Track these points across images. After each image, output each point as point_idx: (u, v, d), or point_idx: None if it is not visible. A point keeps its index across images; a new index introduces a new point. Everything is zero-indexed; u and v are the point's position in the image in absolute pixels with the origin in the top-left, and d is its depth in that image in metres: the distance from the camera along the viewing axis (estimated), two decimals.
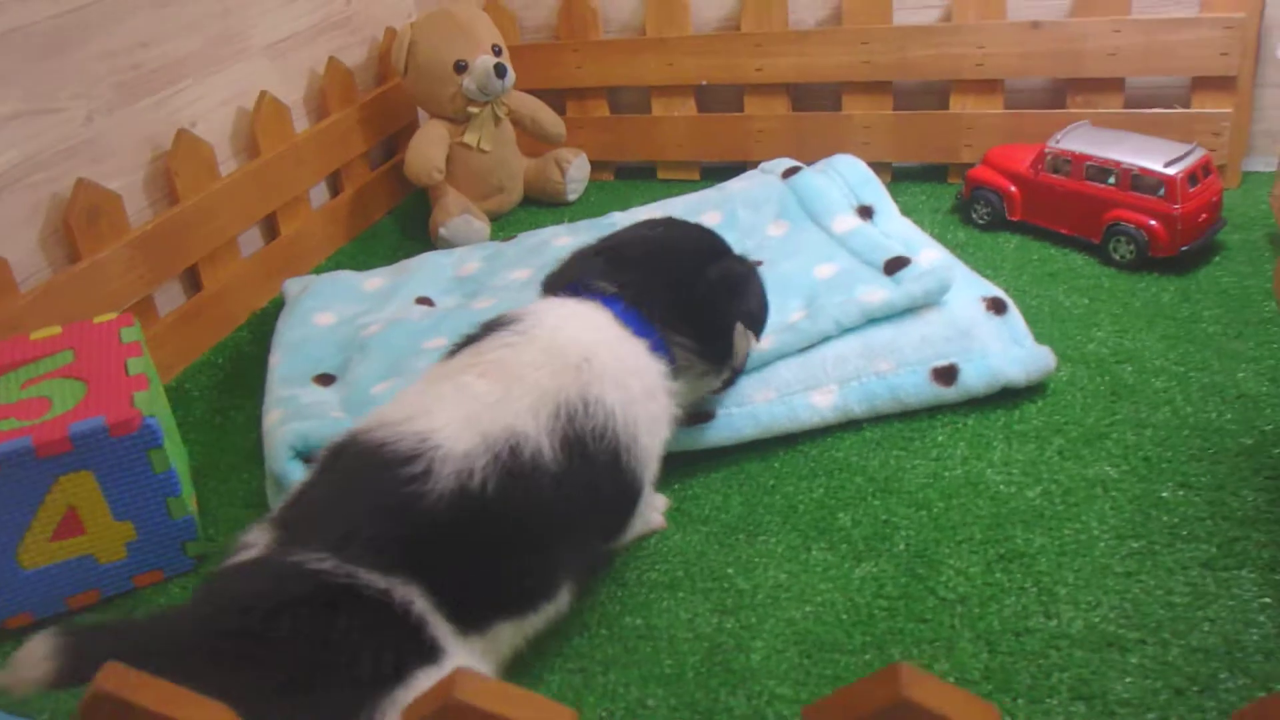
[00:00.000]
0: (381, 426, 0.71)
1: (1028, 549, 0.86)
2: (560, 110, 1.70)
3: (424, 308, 1.28)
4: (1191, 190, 1.21)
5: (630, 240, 0.88)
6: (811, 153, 1.55)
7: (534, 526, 0.69)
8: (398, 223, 1.65)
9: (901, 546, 0.88)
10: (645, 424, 0.76)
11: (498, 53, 1.54)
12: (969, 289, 1.14)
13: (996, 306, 1.11)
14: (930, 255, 1.23)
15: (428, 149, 1.52)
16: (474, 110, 1.54)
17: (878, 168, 1.55)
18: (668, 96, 1.64)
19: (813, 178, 1.36)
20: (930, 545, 0.88)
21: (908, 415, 1.05)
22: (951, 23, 1.45)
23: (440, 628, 0.65)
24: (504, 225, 1.62)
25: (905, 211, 1.43)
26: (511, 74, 1.54)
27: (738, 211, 1.36)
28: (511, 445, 0.68)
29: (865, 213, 1.34)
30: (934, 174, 1.56)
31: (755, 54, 1.54)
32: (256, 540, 0.68)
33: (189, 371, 1.30)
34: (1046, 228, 1.34)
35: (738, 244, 1.31)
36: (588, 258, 0.88)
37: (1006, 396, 1.05)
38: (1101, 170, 1.26)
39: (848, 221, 1.27)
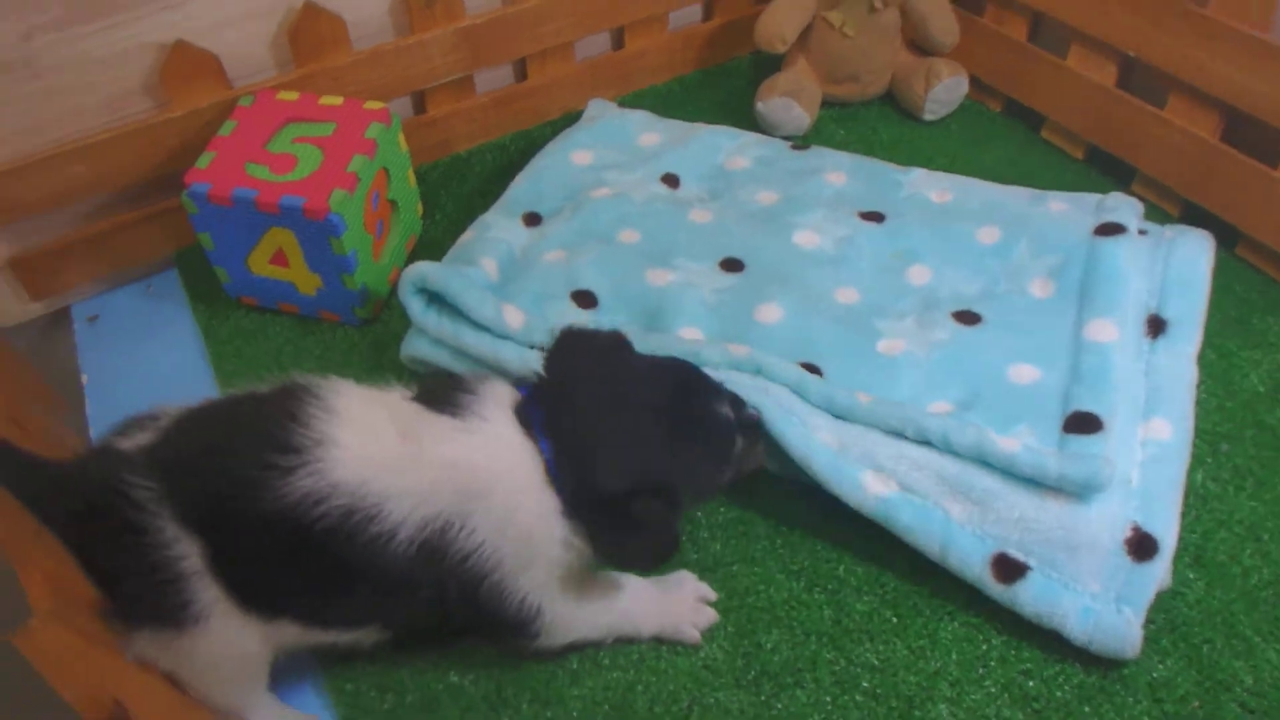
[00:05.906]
0: (313, 399, 0.73)
1: None
2: (979, 10, 1.44)
3: (663, 189, 1.28)
4: None
5: (613, 394, 0.79)
6: (1212, 198, 1.19)
7: (350, 578, 0.72)
8: (750, 70, 1.58)
9: None
10: (512, 565, 0.75)
11: None
12: (1129, 507, 0.88)
13: (1141, 549, 0.86)
14: (1160, 429, 0.95)
15: (782, 16, 1.40)
16: None
17: None
18: (1089, 49, 1.30)
19: (1122, 253, 1.07)
20: None
21: (937, 572, 0.91)
22: None
23: (206, 595, 0.71)
24: (843, 118, 1.48)
25: (1261, 341, 1.10)
26: None
27: (1020, 242, 1.13)
28: (372, 513, 0.70)
29: (1155, 326, 1.04)
30: None
31: (1197, 41, 1.13)
32: (159, 417, 0.77)
33: (483, 148, 1.46)
34: None
35: (994, 276, 1.10)
36: (567, 385, 0.79)
37: (1056, 648, 0.86)
38: None
39: (1108, 329, 1.00)
